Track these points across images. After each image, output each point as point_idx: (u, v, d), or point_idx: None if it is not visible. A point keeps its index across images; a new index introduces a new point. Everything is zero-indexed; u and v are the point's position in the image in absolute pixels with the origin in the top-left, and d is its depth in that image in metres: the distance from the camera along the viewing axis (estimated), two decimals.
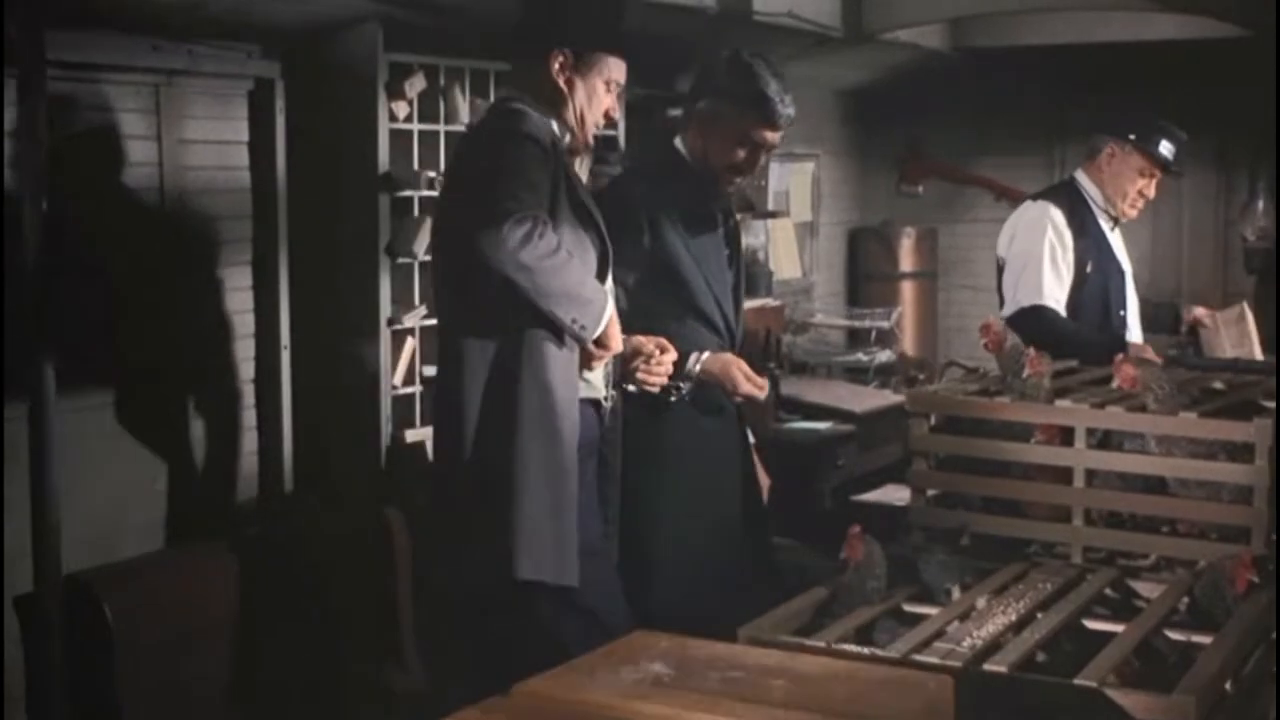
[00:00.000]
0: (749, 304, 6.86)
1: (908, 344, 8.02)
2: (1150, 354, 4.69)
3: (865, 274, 8.46)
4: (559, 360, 3.17)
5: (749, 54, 3.72)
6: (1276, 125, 6.64)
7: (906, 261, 8.32)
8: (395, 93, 4.53)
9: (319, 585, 4.10)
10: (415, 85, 4.55)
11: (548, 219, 3.02)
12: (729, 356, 3.68)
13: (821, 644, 2.76)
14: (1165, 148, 4.66)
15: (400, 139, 4.61)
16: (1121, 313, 4.82)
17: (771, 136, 3.73)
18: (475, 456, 3.18)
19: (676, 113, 6.02)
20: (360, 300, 4.52)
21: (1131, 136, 4.68)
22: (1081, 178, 4.80)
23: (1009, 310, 4.72)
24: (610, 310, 3.17)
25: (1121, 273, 4.87)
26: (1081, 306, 4.80)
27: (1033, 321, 4.63)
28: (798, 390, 6.53)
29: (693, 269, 3.66)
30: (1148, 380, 3.45)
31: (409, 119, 4.62)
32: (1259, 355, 5.14)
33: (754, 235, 7.10)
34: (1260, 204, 7.62)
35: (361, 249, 4.51)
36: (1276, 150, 6.82)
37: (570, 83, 3.27)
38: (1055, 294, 4.72)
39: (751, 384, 3.65)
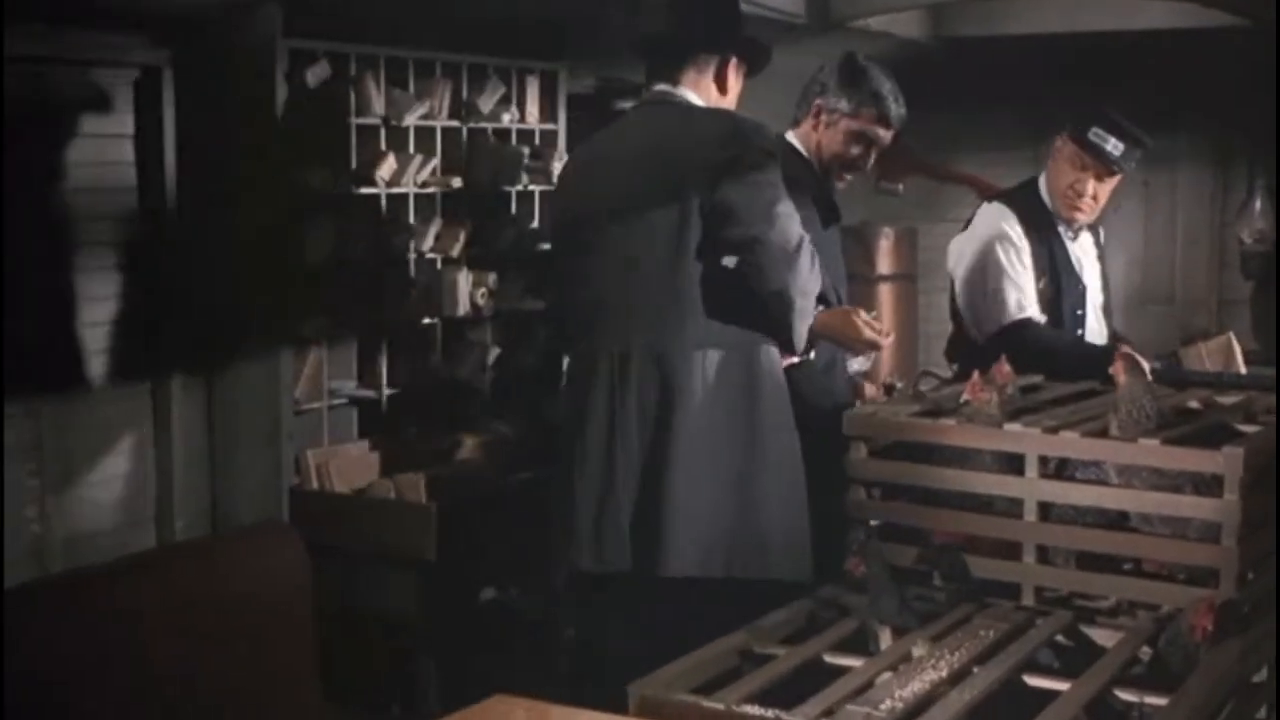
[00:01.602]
0: None
1: (885, 351, 7.69)
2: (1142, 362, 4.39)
3: None
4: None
5: (864, 57, 3.98)
6: (1277, 121, 6.38)
7: (884, 264, 8.03)
8: (296, 82, 4.24)
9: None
10: (318, 74, 4.26)
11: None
12: (846, 308, 3.75)
13: (720, 706, 2.51)
14: (1099, 136, 4.29)
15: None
16: (1080, 332, 4.48)
17: (884, 134, 3.95)
18: None
19: (625, 105, 5.79)
20: (260, 309, 4.22)
21: (1068, 127, 4.34)
22: (1040, 179, 4.48)
23: (990, 329, 4.36)
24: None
25: (1080, 288, 4.50)
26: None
27: (1019, 339, 4.27)
28: None
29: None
30: (1129, 394, 3.14)
31: (314, 110, 4.32)
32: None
33: None
34: (1258, 204, 7.35)
35: (261, 253, 4.21)
36: (1277, 148, 6.58)
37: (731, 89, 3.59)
38: (1032, 304, 4.39)
39: (873, 331, 3.64)
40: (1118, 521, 3.09)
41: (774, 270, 3.38)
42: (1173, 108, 7.27)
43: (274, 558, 4.09)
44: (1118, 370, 3.18)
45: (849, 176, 4.03)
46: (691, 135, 3.43)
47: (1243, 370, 4.91)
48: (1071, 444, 3.13)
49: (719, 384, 3.42)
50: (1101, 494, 3.11)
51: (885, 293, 7.98)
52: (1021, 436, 3.16)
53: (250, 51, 4.17)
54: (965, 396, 3.28)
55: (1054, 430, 3.16)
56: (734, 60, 3.55)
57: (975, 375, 3.33)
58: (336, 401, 4.49)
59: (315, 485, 4.27)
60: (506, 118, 4.87)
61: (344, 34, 4.40)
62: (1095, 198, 4.38)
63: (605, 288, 3.45)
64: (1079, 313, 4.52)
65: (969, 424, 3.26)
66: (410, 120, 4.55)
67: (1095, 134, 4.27)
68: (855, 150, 3.95)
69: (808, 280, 3.43)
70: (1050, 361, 3.87)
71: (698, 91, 3.52)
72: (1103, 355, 4.02)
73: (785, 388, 3.56)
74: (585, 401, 3.46)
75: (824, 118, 3.93)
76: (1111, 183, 4.38)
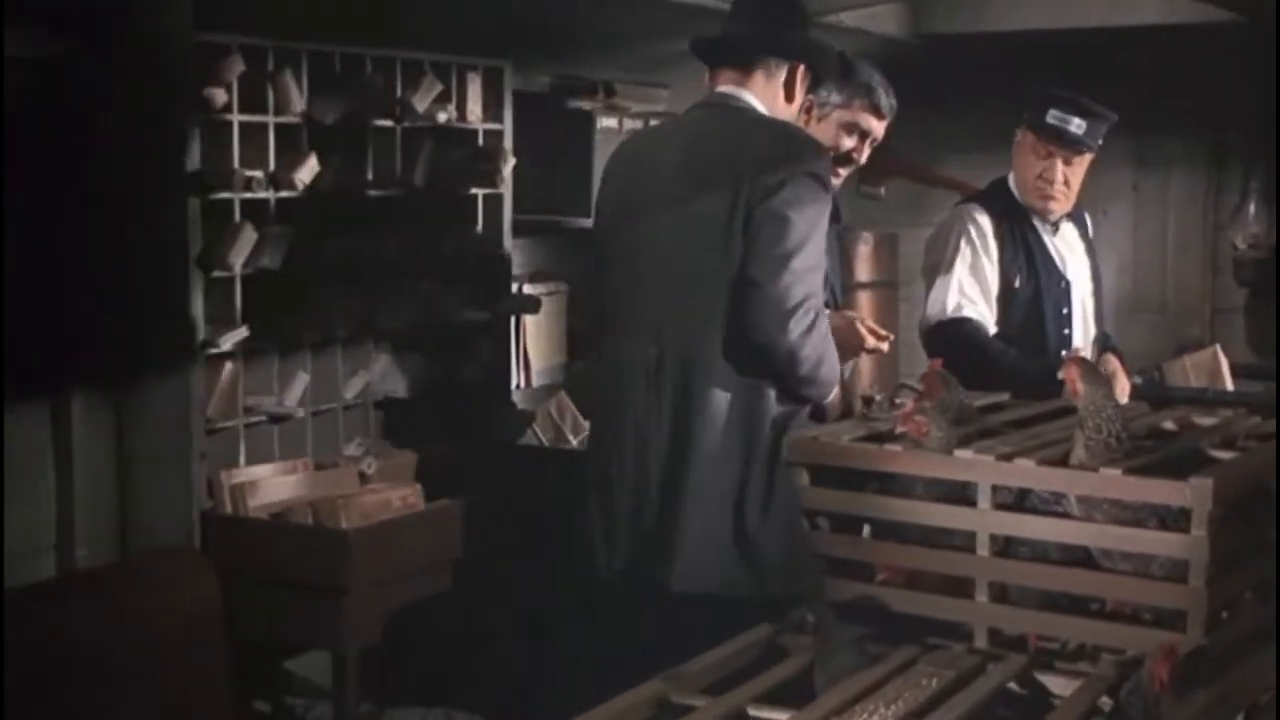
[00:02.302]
0: None
1: (863, 362, 7.44)
2: (1117, 369, 4.17)
3: None
4: None
5: (850, 55, 3.98)
6: (1277, 122, 6.22)
7: (863, 270, 7.78)
8: (210, 78, 3.99)
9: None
10: (233, 68, 4.01)
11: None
12: (850, 313, 3.84)
13: None
14: (1058, 118, 4.12)
15: (217, 132, 4.07)
16: (1066, 332, 4.26)
17: (877, 125, 3.97)
18: None
19: (580, 104, 5.57)
20: (168, 321, 3.97)
21: (1024, 117, 4.21)
22: (1009, 178, 4.27)
23: (923, 327, 4.17)
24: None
25: (1064, 285, 4.29)
26: (1009, 326, 4.25)
27: (949, 338, 4.07)
28: None
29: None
30: (1092, 406, 2.89)
31: (228, 108, 4.08)
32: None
33: None
34: (1252, 208, 7.17)
35: (168, 260, 3.96)
36: (1277, 149, 6.43)
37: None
38: (978, 305, 4.17)
39: (877, 337, 3.69)
40: (1080, 557, 2.87)
41: (761, 321, 3.33)
42: (1164, 107, 7.15)
43: (185, 586, 3.94)
44: (1071, 377, 2.92)
45: (843, 171, 4.01)
46: (749, 147, 3.40)
47: (1229, 386, 4.69)
48: (1026, 473, 2.91)
49: (735, 402, 3.40)
50: (1060, 527, 2.89)
51: (864, 300, 7.72)
52: (973, 464, 2.95)
53: (156, 44, 3.91)
54: (899, 428, 3.04)
55: (1008, 457, 2.92)
56: (803, 68, 3.56)
57: (908, 404, 3.10)
58: (254, 419, 4.25)
59: (229, 509, 4.03)
60: (443, 116, 4.62)
61: (262, 27, 4.14)
62: (1067, 183, 4.21)
63: (646, 287, 3.44)
64: (1064, 311, 4.32)
65: (916, 450, 3.03)
66: (335, 119, 4.30)
67: (1054, 116, 4.12)
68: (849, 142, 3.97)
69: (804, 343, 3.34)
70: (986, 371, 3.63)
71: (764, 98, 3.51)
72: (1044, 371, 3.78)
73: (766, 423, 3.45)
74: (617, 396, 3.47)
75: (815, 112, 3.93)
76: (1082, 165, 4.21)
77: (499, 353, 5.10)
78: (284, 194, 4.22)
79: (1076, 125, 4.11)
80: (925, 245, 4.38)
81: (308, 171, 4.17)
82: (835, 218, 3.89)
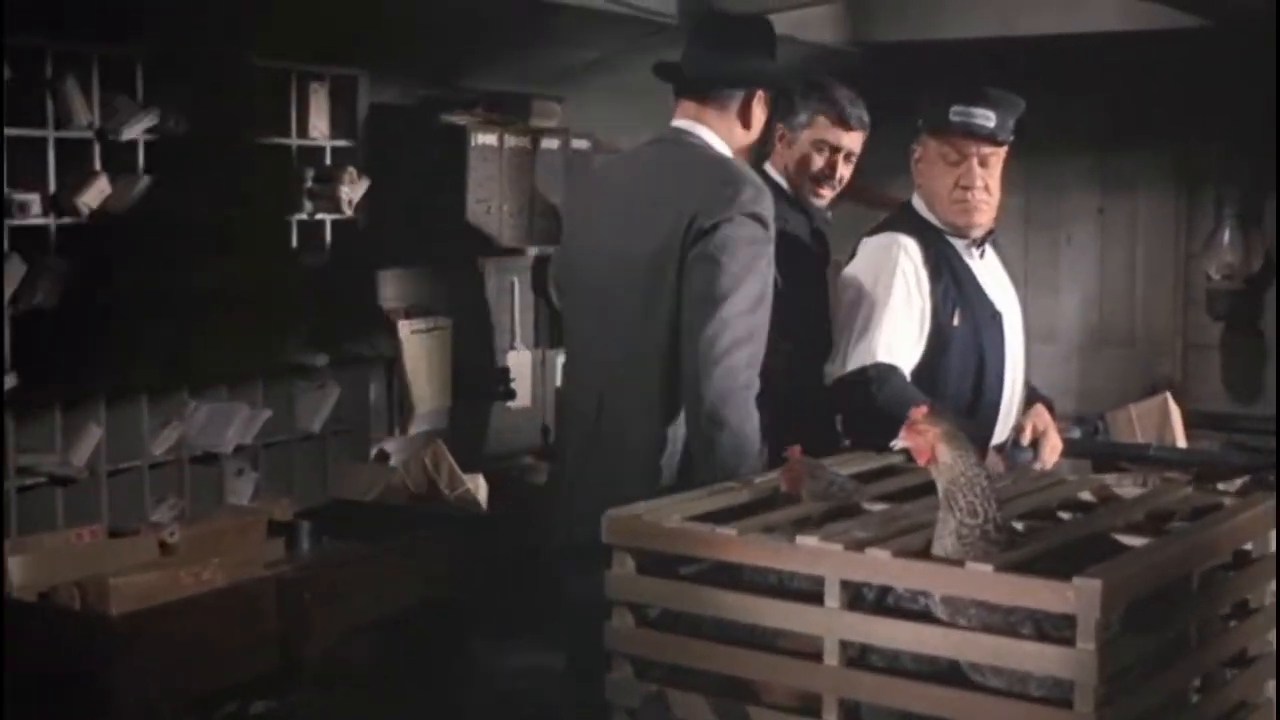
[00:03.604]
0: None
1: None
2: (1049, 425, 3.68)
3: None
4: None
5: (816, 74, 4.10)
6: (1277, 132, 5.93)
7: None
8: None
9: None
10: None
11: None
12: None
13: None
14: (962, 113, 3.65)
15: None
16: (1000, 372, 3.74)
17: (846, 139, 3.92)
18: None
19: (453, 119, 5.09)
20: None
21: (921, 125, 3.77)
22: (914, 201, 3.75)
23: (835, 372, 3.64)
24: None
25: (996, 318, 3.77)
26: (944, 373, 3.71)
27: (864, 390, 3.54)
28: None
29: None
30: (959, 478, 2.44)
31: None
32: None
33: None
34: (1227, 235, 6.73)
35: None
36: (1277, 164, 6.14)
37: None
38: (905, 351, 3.64)
39: None
40: (946, 670, 2.43)
41: (688, 368, 3.27)
42: (1129, 122, 6.79)
43: None
44: (926, 441, 2.44)
45: (825, 192, 3.96)
46: (687, 188, 3.36)
47: (1180, 440, 4.18)
48: (878, 566, 2.47)
49: (668, 450, 3.36)
50: (920, 634, 2.46)
51: None
52: (818, 554, 2.51)
53: None
54: (784, 486, 2.72)
55: (859, 546, 2.44)
56: (760, 94, 3.50)
57: (793, 452, 2.76)
58: (31, 481, 3.73)
59: None
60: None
61: (39, 26, 3.65)
62: (988, 189, 3.70)
63: (593, 328, 3.48)
64: (1000, 349, 3.80)
65: (753, 536, 2.56)
66: (134, 133, 3.80)
67: (957, 113, 3.65)
68: (819, 161, 3.91)
69: (726, 390, 3.23)
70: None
71: (720, 128, 3.48)
72: (978, 430, 3.43)
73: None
74: (564, 442, 3.62)
75: (786, 137, 3.92)
76: (999, 164, 3.77)
77: (356, 397, 4.60)
78: (66, 220, 3.72)
79: (983, 117, 3.64)
80: (840, 280, 3.84)
81: (95, 194, 3.68)
82: (824, 255, 3.99)
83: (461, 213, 4.94)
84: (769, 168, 3.95)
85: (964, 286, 3.78)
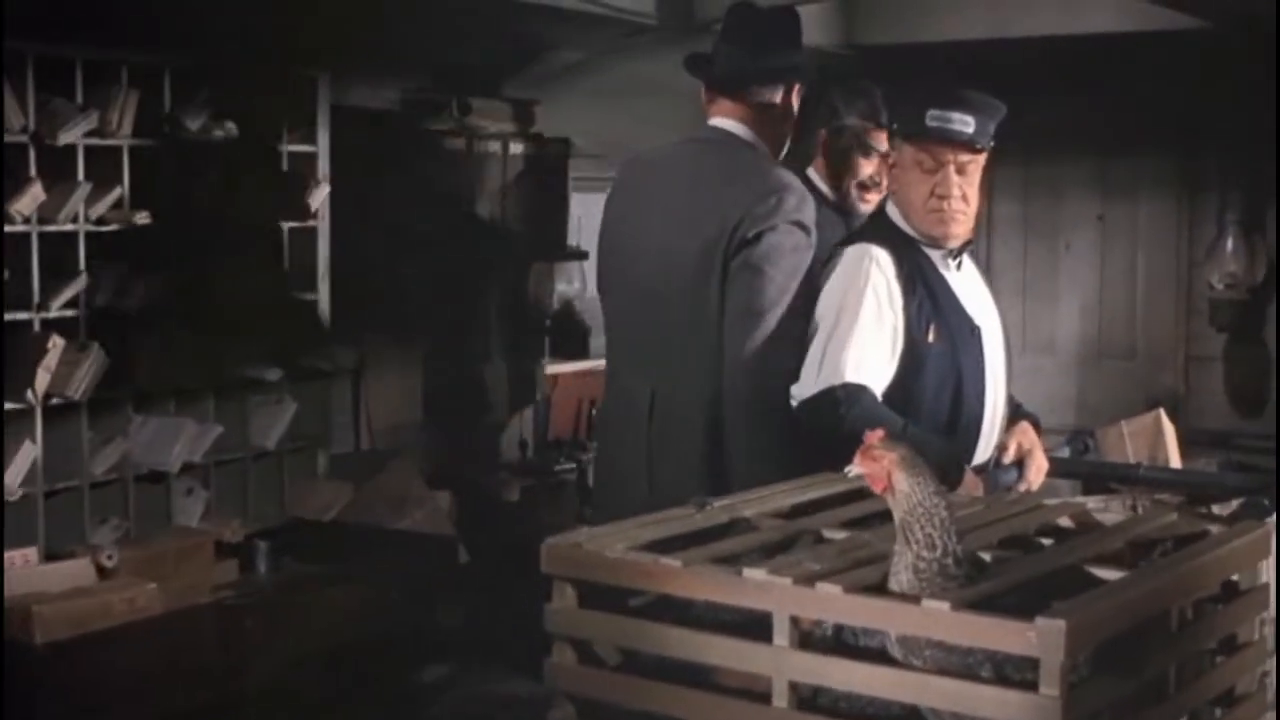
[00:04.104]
0: (566, 367, 5.78)
1: None
2: (1034, 445, 3.53)
3: None
4: None
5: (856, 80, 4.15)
6: (1277, 147, 5.84)
7: None
8: None
9: None
10: None
11: None
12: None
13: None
14: (939, 118, 3.47)
15: None
16: (979, 390, 3.57)
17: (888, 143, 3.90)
18: None
19: (437, 126, 4.97)
20: None
21: (894, 127, 3.59)
22: (889, 210, 3.57)
23: (802, 393, 3.46)
24: None
25: (975, 333, 3.59)
26: (920, 391, 3.52)
27: (832, 412, 3.36)
28: None
29: None
30: (916, 508, 2.25)
31: None
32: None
33: (566, 281, 5.92)
34: (1230, 243, 6.62)
35: None
36: (1278, 172, 6.03)
37: None
38: (876, 370, 3.46)
39: None
40: (902, 714, 2.28)
41: (732, 375, 3.33)
42: (1130, 126, 6.78)
43: None
44: (879, 467, 2.28)
45: (871, 197, 3.99)
46: (730, 195, 3.40)
47: (1174, 460, 4.01)
48: (829, 602, 2.29)
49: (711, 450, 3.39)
50: (874, 676, 2.26)
51: None
52: (765, 587, 2.31)
53: None
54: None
55: (810, 580, 2.27)
56: (797, 87, 3.55)
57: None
58: None
59: None
60: (220, 134, 3.98)
61: None
62: (965, 198, 3.52)
63: (637, 324, 3.53)
64: (980, 367, 3.61)
65: (698, 567, 2.40)
66: (72, 137, 3.65)
67: (934, 117, 3.44)
68: (867, 166, 4.02)
69: (767, 398, 3.33)
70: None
71: (757, 127, 3.51)
72: (954, 453, 3.32)
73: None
74: (614, 438, 3.61)
75: (830, 142, 4.01)
76: (977, 172, 3.58)
77: (316, 412, 4.45)
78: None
79: (962, 122, 3.46)
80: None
81: (29, 201, 3.53)
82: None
83: (431, 219, 4.80)
84: (811, 173, 3.99)
85: (940, 300, 3.59)
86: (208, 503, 4.26)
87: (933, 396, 3.55)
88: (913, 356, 3.54)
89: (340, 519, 4.50)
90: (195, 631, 3.55)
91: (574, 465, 5.59)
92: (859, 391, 3.44)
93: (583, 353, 6.09)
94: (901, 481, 2.28)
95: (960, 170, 3.56)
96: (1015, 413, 3.81)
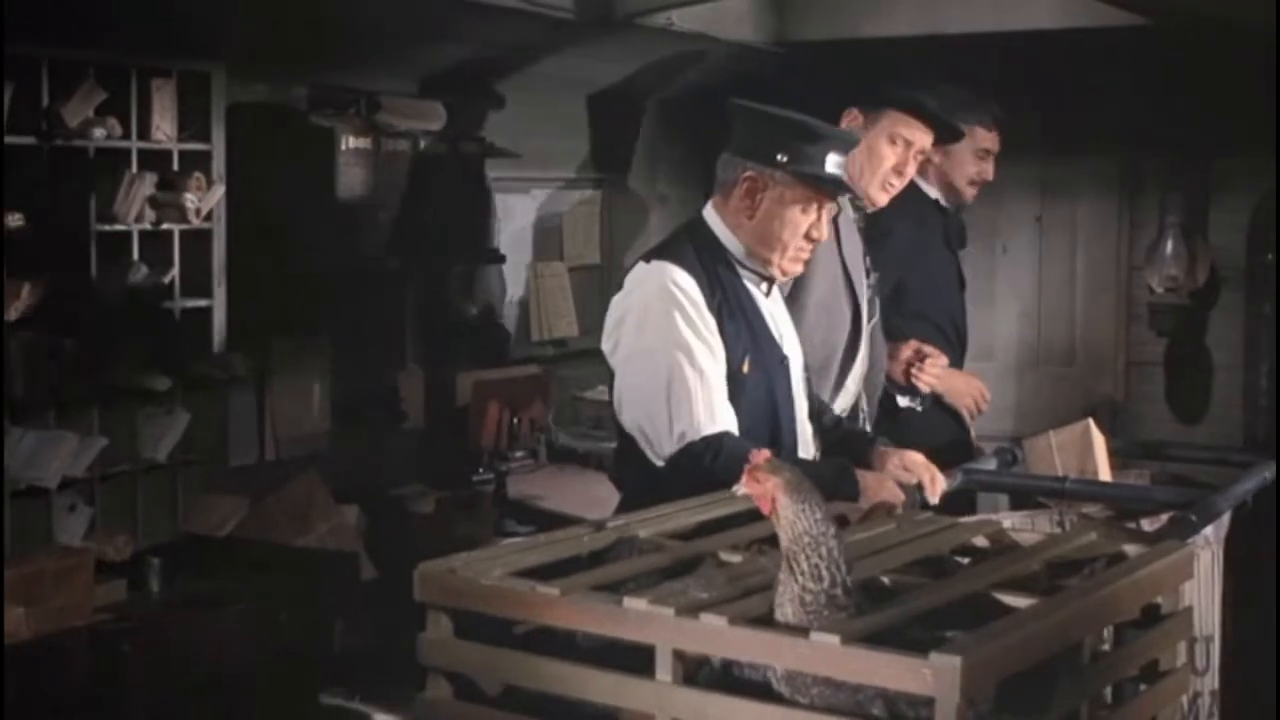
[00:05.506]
0: (487, 374, 5.61)
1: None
2: (923, 461, 3.37)
3: None
4: None
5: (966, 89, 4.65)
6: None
7: None
8: None
9: None
10: None
11: None
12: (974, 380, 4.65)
13: None
14: (839, 164, 3.25)
15: None
16: (792, 423, 3.39)
17: (992, 141, 4.72)
18: None
19: (321, 121, 4.79)
20: None
21: (783, 159, 3.22)
22: (713, 221, 3.33)
23: (663, 454, 3.22)
24: None
25: (784, 362, 3.39)
26: (738, 424, 3.30)
27: (697, 465, 3.12)
28: (541, 490, 5.49)
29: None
30: (803, 535, 2.13)
31: None
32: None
33: (488, 285, 5.77)
34: (1170, 245, 6.47)
35: None
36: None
37: None
38: (723, 408, 3.22)
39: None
40: None
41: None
42: (1069, 126, 6.73)
43: None
44: (755, 488, 2.16)
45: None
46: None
47: (1103, 472, 3.88)
48: (713, 634, 2.16)
49: None
50: (761, 715, 2.13)
51: None
52: (647, 618, 2.19)
53: None
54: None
55: (694, 610, 2.13)
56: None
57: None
58: None
59: None
60: (100, 132, 3.79)
61: None
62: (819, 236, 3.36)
63: None
64: (790, 397, 3.41)
65: (577, 596, 2.27)
66: None
67: (836, 165, 3.23)
68: (980, 165, 4.72)
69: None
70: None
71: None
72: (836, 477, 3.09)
73: None
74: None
75: (947, 149, 4.41)
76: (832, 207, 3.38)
77: (210, 422, 4.27)
78: None
79: (836, 164, 3.25)
80: (614, 315, 3.35)
81: None
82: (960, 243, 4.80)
83: (332, 221, 4.62)
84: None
85: (755, 329, 3.34)
86: (92, 519, 4.08)
87: (750, 427, 3.28)
88: (730, 387, 3.32)
89: (238, 534, 4.33)
90: (65, 657, 3.38)
91: (492, 476, 5.43)
92: (718, 439, 3.16)
93: (504, 359, 5.94)
94: (786, 508, 2.14)
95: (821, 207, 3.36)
96: (852, 435, 3.65)
